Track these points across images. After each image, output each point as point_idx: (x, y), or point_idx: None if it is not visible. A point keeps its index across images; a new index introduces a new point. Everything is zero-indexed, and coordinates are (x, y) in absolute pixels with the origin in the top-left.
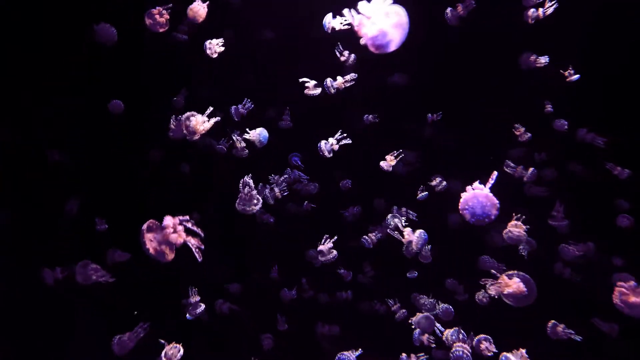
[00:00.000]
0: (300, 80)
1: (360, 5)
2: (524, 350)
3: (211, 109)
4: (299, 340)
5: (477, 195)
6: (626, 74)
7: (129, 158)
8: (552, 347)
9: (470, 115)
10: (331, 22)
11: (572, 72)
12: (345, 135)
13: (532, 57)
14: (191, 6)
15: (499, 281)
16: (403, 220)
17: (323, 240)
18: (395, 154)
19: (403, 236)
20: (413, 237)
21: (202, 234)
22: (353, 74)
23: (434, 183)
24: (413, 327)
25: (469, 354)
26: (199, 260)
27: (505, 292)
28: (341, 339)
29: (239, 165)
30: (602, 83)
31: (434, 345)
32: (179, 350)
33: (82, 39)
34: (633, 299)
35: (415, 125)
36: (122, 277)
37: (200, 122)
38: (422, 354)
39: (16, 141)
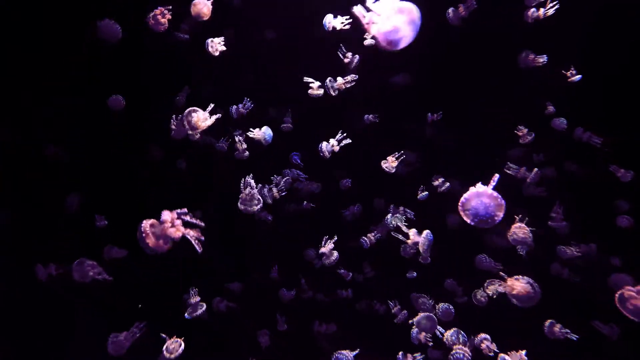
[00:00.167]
0: (305, 79)
1: (370, 1)
2: (523, 352)
3: (212, 105)
4: (298, 339)
5: (481, 196)
6: (626, 74)
7: (129, 158)
8: (552, 347)
9: (470, 115)
10: (331, 21)
11: (574, 72)
12: (345, 135)
13: (531, 56)
14: (195, 2)
15: (506, 282)
16: (403, 219)
17: (323, 243)
18: (397, 155)
19: (408, 237)
20: (419, 238)
21: (202, 224)
22: (353, 75)
23: (436, 183)
24: (414, 326)
25: (469, 357)
26: (199, 251)
27: (512, 293)
28: (339, 339)
29: (239, 165)
30: (602, 83)
31: (431, 344)
32: (180, 345)
33: (82, 39)
34: None
35: (416, 125)
36: (122, 277)
37: (202, 118)
38: (419, 353)
39: (16, 141)
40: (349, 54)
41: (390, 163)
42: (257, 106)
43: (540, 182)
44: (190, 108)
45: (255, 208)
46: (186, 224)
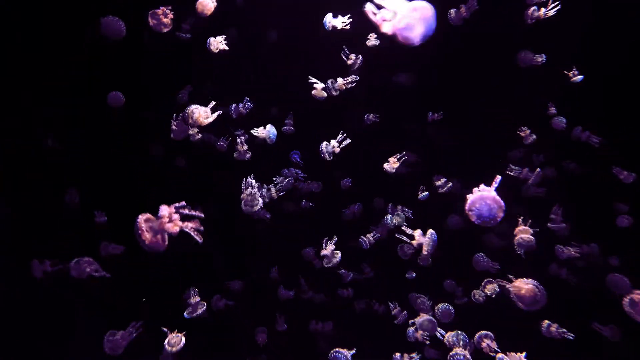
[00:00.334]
0: (310, 80)
1: None
2: (522, 355)
3: (213, 103)
4: (296, 339)
5: (485, 197)
6: (626, 74)
7: (130, 158)
8: (552, 347)
9: (471, 115)
10: (332, 21)
11: (576, 72)
12: (345, 135)
13: (530, 55)
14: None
15: (512, 284)
16: (404, 219)
17: (324, 245)
18: (398, 157)
19: (413, 238)
20: (423, 239)
21: (202, 215)
22: (354, 76)
23: (438, 184)
24: (415, 326)
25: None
26: (200, 241)
27: (518, 295)
28: (337, 338)
29: (239, 165)
30: (602, 83)
31: (428, 342)
32: (181, 339)
33: (84, 37)
34: None
35: (416, 125)
36: (121, 277)
37: (203, 115)
38: (415, 353)
39: (16, 141)
40: (352, 56)
41: (391, 164)
42: (258, 106)
43: (540, 182)
44: (192, 105)
45: (257, 208)
46: (184, 217)
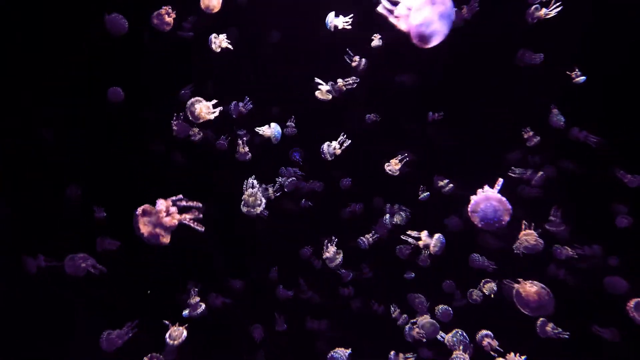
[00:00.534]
0: (316, 80)
1: None
2: (523, 358)
3: (215, 101)
4: (294, 339)
5: (490, 198)
6: (626, 74)
7: (130, 158)
8: (552, 347)
9: (471, 115)
10: (333, 20)
11: (578, 73)
12: (345, 136)
13: (528, 54)
14: None
15: (522, 286)
16: (404, 218)
17: (325, 247)
18: (400, 158)
19: (419, 240)
20: (431, 241)
21: (200, 205)
22: (354, 77)
23: (440, 184)
24: (415, 325)
25: None
26: (201, 230)
27: (526, 298)
28: (334, 337)
29: (240, 165)
30: (602, 83)
31: (424, 340)
32: (183, 332)
33: (85, 35)
34: None
35: (416, 125)
36: (121, 277)
37: (205, 109)
38: (411, 353)
39: (16, 141)
40: (357, 58)
41: (393, 166)
42: (260, 106)
43: (540, 183)
44: (194, 98)
45: (259, 209)
46: (182, 210)
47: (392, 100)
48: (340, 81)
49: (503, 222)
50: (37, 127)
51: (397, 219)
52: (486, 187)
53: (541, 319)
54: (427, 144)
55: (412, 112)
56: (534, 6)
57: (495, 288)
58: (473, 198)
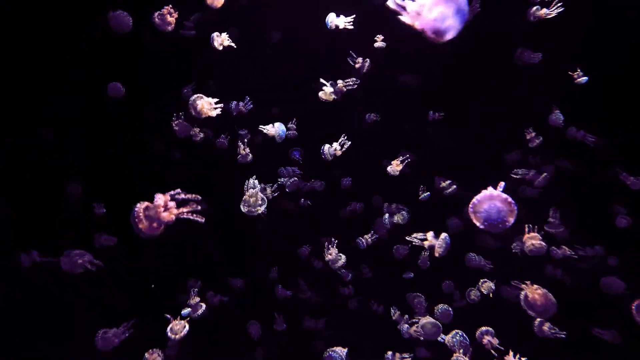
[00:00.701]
0: (321, 81)
1: None
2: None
3: (217, 99)
4: (293, 338)
5: (494, 198)
6: (626, 74)
7: (130, 158)
8: (552, 348)
9: (471, 115)
10: (334, 20)
11: (580, 73)
12: (345, 137)
13: (527, 53)
14: None
15: (529, 289)
16: (405, 218)
17: (326, 249)
18: (401, 159)
19: (425, 240)
20: (436, 241)
21: (199, 197)
22: (354, 78)
23: (442, 185)
24: (416, 325)
25: None
26: (201, 222)
27: (531, 301)
28: (333, 337)
29: (240, 165)
30: (602, 83)
31: (422, 339)
32: (184, 327)
33: (85, 35)
34: None
35: (416, 125)
36: (121, 277)
37: (207, 105)
38: (407, 353)
39: (16, 141)
40: (359, 59)
41: (394, 167)
42: (260, 106)
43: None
44: (196, 94)
45: (260, 209)
46: (180, 203)
47: (392, 100)
48: (340, 82)
49: (507, 224)
50: (37, 127)
51: (397, 219)
52: (489, 188)
53: (538, 319)
54: (427, 144)
55: (413, 112)
56: (535, 7)
57: (493, 287)
58: (475, 198)
